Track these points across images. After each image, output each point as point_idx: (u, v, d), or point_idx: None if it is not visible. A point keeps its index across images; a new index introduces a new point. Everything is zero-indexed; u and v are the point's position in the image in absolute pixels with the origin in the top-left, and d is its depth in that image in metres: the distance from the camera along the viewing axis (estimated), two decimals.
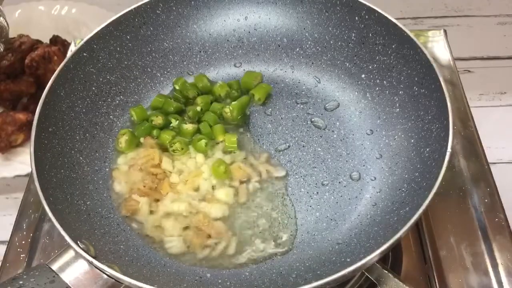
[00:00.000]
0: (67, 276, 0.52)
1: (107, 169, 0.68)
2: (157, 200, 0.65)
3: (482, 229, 0.67)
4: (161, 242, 0.62)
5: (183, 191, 0.66)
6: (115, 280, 0.51)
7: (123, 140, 0.70)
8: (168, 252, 0.61)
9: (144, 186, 0.66)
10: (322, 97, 0.74)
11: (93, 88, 0.71)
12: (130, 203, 0.65)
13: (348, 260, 0.56)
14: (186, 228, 0.63)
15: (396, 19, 0.67)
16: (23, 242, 0.71)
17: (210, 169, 0.67)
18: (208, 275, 0.59)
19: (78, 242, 0.52)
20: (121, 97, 0.74)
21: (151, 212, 0.65)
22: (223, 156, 0.68)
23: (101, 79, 0.72)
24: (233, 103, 0.72)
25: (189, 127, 0.71)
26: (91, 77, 0.71)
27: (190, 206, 0.64)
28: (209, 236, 0.62)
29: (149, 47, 0.76)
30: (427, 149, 0.60)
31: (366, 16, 0.69)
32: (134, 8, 0.73)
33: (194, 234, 0.62)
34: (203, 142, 0.69)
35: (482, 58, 1.06)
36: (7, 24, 0.92)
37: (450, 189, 0.70)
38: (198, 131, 0.71)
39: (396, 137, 0.66)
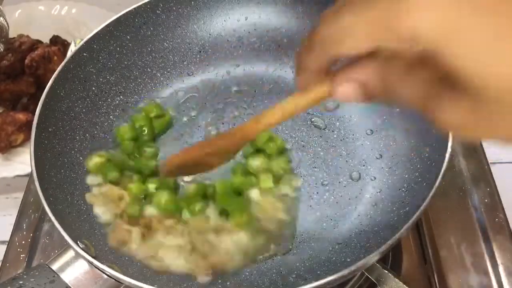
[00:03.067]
0: (67, 276, 0.52)
1: None
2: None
3: (482, 229, 0.67)
4: (161, 268, 0.57)
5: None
6: (115, 280, 0.51)
7: (94, 162, 0.64)
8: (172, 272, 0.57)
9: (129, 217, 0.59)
10: None
11: (93, 88, 0.71)
12: (119, 233, 0.58)
13: (348, 260, 0.56)
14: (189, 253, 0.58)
15: None
16: (23, 242, 0.71)
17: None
18: None
19: (78, 242, 0.52)
20: (121, 97, 0.74)
21: (143, 240, 0.58)
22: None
23: (101, 79, 0.72)
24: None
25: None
26: (91, 77, 0.71)
27: (192, 237, 0.58)
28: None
29: (149, 47, 0.76)
30: (427, 149, 0.60)
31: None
32: (134, 8, 0.73)
33: (199, 258, 0.57)
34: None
35: None
36: (7, 24, 0.92)
37: (450, 189, 0.70)
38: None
39: (396, 137, 0.66)
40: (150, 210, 0.60)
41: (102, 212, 0.61)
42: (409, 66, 0.31)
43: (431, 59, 0.28)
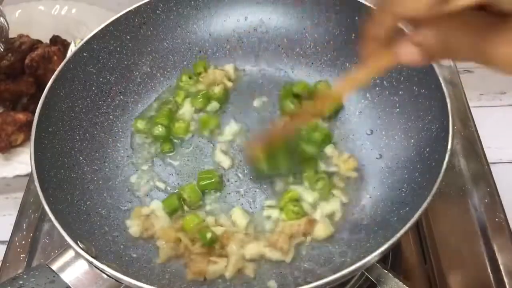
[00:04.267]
0: (67, 276, 0.52)
1: (106, 169, 0.68)
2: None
3: (482, 229, 0.67)
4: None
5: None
6: (115, 280, 0.51)
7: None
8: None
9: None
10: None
11: (93, 88, 0.71)
12: (198, 265, 0.58)
13: (348, 260, 0.56)
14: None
15: None
16: (23, 242, 0.71)
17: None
18: None
19: (78, 242, 0.52)
20: (121, 97, 0.74)
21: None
22: None
23: (101, 79, 0.72)
24: None
25: None
26: (91, 77, 0.71)
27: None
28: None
29: (149, 47, 0.76)
30: (427, 149, 0.60)
31: (366, 16, 0.69)
32: (134, 8, 0.73)
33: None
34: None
35: None
36: (7, 24, 0.92)
37: (450, 189, 0.71)
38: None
39: (396, 137, 0.66)
40: (218, 229, 0.61)
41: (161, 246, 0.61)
42: (462, 20, 0.35)
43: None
